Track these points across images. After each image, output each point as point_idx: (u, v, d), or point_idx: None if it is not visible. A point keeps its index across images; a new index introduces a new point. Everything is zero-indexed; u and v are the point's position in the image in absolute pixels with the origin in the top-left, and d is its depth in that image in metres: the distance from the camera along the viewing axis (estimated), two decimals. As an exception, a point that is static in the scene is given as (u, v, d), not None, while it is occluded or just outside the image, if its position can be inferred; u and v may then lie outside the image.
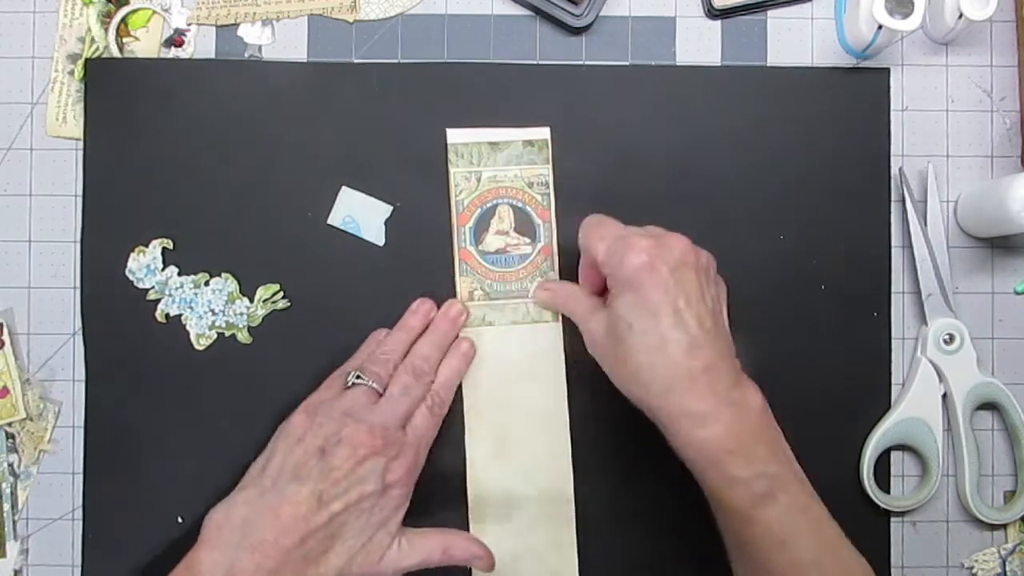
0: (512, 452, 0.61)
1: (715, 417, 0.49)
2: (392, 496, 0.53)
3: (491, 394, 0.61)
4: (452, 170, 0.61)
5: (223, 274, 0.61)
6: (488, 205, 0.61)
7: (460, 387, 0.61)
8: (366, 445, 0.52)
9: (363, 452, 0.52)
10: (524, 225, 0.62)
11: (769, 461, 0.49)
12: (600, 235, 0.53)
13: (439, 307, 0.60)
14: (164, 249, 0.61)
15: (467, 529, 0.60)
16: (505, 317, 0.61)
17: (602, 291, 0.57)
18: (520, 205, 0.61)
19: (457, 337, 0.60)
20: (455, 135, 0.61)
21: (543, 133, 0.62)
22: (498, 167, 0.61)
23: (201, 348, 0.61)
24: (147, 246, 0.61)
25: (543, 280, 0.61)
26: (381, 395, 0.56)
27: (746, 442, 0.49)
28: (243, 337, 0.61)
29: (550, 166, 0.62)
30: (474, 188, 0.61)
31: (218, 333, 0.61)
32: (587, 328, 0.55)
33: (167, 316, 0.61)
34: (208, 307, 0.61)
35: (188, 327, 0.61)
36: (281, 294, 0.61)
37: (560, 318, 0.61)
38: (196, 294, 0.61)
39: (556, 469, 0.61)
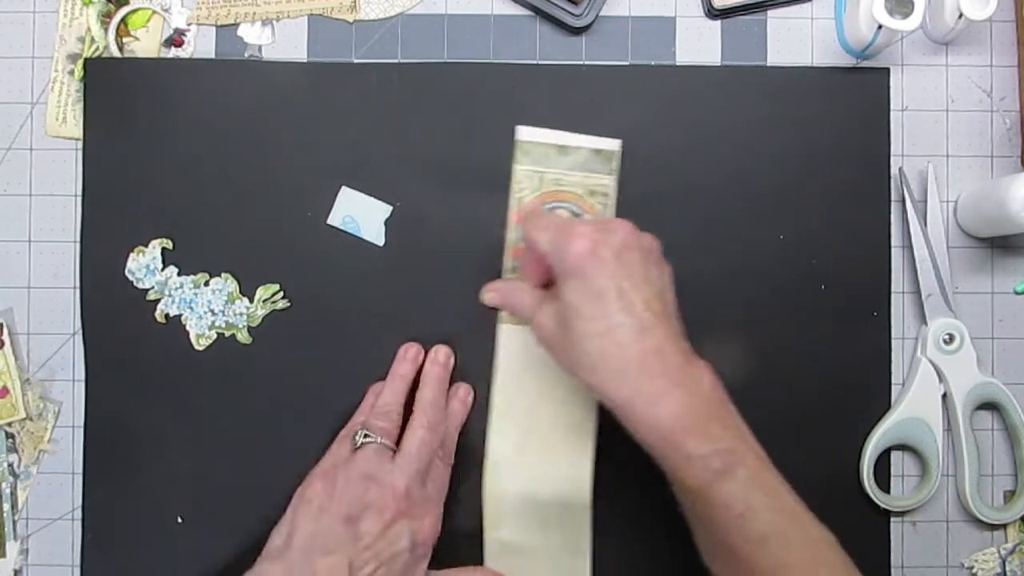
0: (534, 453, 0.60)
1: (668, 396, 0.49)
2: (418, 554, 0.54)
3: (520, 393, 0.61)
4: (516, 167, 0.61)
5: (223, 274, 0.61)
6: (547, 206, 0.61)
7: (490, 383, 0.61)
8: (391, 509, 0.53)
9: (390, 516, 0.53)
10: None
11: (724, 437, 0.49)
12: (542, 226, 0.53)
13: (425, 351, 0.61)
14: (164, 249, 0.61)
15: (481, 528, 0.60)
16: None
17: (547, 284, 0.56)
18: (579, 211, 0.61)
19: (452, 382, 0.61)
20: (525, 133, 0.61)
21: (613, 144, 0.61)
22: (563, 171, 0.61)
23: (201, 348, 0.61)
24: (147, 246, 0.61)
25: (489, 282, 0.60)
26: (393, 451, 0.56)
27: (700, 420, 0.49)
28: (243, 337, 0.61)
29: (614, 177, 0.61)
30: (536, 188, 0.61)
31: (218, 333, 0.61)
32: (536, 321, 0.54)
33: (167, 316, 0.61)
34: (208, 307, 0.61)
35: (188, 327, 0.61)
36: (281, 294, 0.61)
37: None
38: (196, 294, 0.61)
39: (576, 473, 0.60)
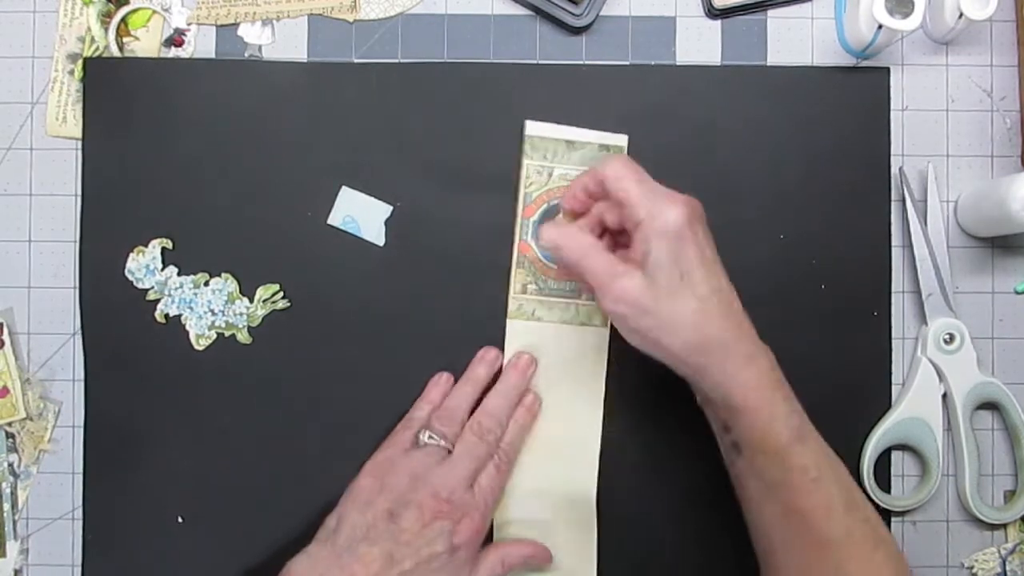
0: (540, 451, 0.60)
1: (757, 358, 0.52)
2: (460, 557, 0.54)
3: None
4: (525, 161, 0.61)
5: (223, 274, 0.61)
6: (555, 202, 0.61)
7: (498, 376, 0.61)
8: (432, 509, 0.54)
9: (430, 515, 0.54)
10: None
11: (794, 400, 0.52)
12: (636, 177, 0.52)
13: (503, 353, 0.61)
14: (164, 249, 0.61)
15: (491, 529, 0.60)
16: (554, 315, 0.61)
17: (600, 235, 0.56)
18: None
19: (525, 390, 0.60)
20: (533, 127, 0.61)
21: (620, 140, 0.61)
22: (571, 166, 0.61)
23: (201, 348, 0.61)
24: (147, 246, 0.61)
25: (551, 224, 0.56)
26: (450, 452, 0.57)
27: (780, 383, 0.52)
28: (243, 337, 0.61)
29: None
30: (544, 183, 0.61)
31: (218, 333, 0.61)
32: (618, 285, 0.52)
33: (167, 316, 0.61)
34: (208, 307, 0.61)
35: (188, 327, 0.61)
36: (281, 294, 0.61)
37: (609, 324, 0.61)
38: (196, 294, 0.61)
39: (582, 473, 0.60)
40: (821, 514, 0.51)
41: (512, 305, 0.61)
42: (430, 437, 0.57)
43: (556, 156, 0.61)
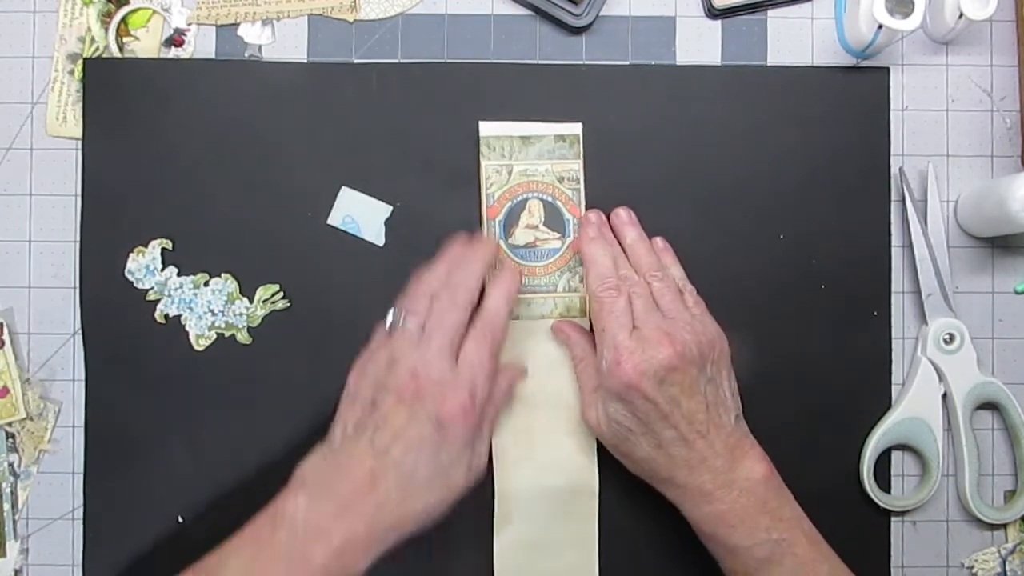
0: (537, 445, 0.61)
1: (716, 497, 0.53)
2: (453, 434, 0.52)
3: (521, 387, 0.61)
4: (483, 163, 0.61)
5: (223, 274, 0.61)
6: (518, 199, 0.61)
7: None
8: (411, 389, 0.52)
9: (408, 395, 0.52)
10: (554, 220, 0.62)
11: (772, 529, 0.52)
12: (601, 320, 0.56)
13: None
14: (163, 249, 0.61)
15: (491, 522, 0.61)
16: (533, 311, 0.61)
17: None
18: (551, 200, 0.61)
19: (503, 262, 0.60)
20: (487, 128, 0.61)
21: (575, 129, 0.62)
22: (529, 161, 0.61)
23: (201, 349, 0.61)
24: (147, 246, 0.61)
25: (569, 320, 0.61)
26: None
27: (748, 515, 0.53)
28: (243, 337, 0.61)
29: (581, 162, 0.62)
30: (505, 181, 0.61)
31: (217, 333, 0.61)
32: (587, 416, 0.58)
33: (166, 317, 0.61)
34: (208, 307, 0.61)
35: (187, 327, 0.61)
36: (281, 294, 0.61)
37: (588, 315, 0.61)
38: (195, 294, 0.61)
39: (581, 463, 0.61)
40: None
41: None
42: (404, 319, 0.55)
43: (513, 153, 0.61)
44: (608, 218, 0.60)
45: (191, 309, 0.61)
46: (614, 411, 0.55)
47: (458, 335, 0.54)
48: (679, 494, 0.54)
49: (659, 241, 0.60)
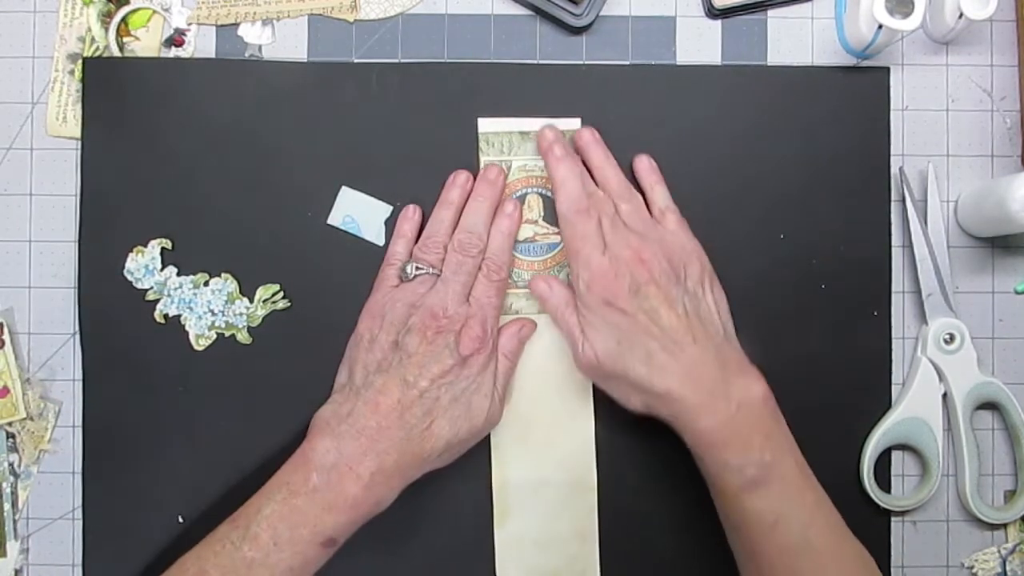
0: (537, 440, 0.61)
1: (709, 410, 0.53)
2: (473, 364, 0.56)
3: (519, 382, 0.61)
4: (482, 158, 0.61)
5: (223, 274, 0.61)
6: (518, 194, 0.61)
7: None
8: (431, 327, 0.56)
9: (432, 333, 0.56)
10: (552, 215, 0.61)
11: (764, 449, 0.52)
12: (575, 241, 0.57)
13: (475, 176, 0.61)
14: (163, 249, 0.61)
15: (491, 517, 0.61)
16: (532, 306, 0.61)
17: None
18: (549, 195, 0.61)
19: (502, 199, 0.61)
20: (486, 124, 0.61)
21: (573, 123, 0.62)
22: (528, 156, 0.61)
23: (200, 348, 0.61)
24: (146, 246, 0.61)
25: (545, 274, 0.61)
26: (439, 276, 0.59)
27: (741, 432, 0.53)
28: (243, 337, 0.61)
29: (579, 157, 0.61)
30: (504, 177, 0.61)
31: (217, 333, 0.61)
32: (578, 352, 0.57)
33: (166, 317, 0.61)
34: (207, 307, 0.61)
35: (187, 327, 0.61)
36: (281, 294, 0.61)
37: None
38: (195, 294, 0.61)
39: (580, 458, 0.61)
40: (780, 558, 0.52)
41: None
42: (417, 268, 0.59)
43: (512, 149, 0.61)
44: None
45: (191, 309, 0.61)
46: (599, 336, 0.56)
47: (471, 278, 0.58)
48: (676, 409, 0.54)
49: (644, 161, 0.61)
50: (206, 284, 0.61)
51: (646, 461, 0.61)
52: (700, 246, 0.58)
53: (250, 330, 0.61)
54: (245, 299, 0.61)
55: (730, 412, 0.53)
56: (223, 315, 0.61)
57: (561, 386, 0.61)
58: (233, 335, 0.61)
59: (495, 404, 0.58)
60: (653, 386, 0.54)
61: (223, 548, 0.53)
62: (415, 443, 0.55)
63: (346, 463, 0.54)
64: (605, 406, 0.60)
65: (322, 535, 0.53)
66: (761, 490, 0.52)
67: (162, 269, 0.61)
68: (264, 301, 0.61)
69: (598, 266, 0.55)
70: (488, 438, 0.61)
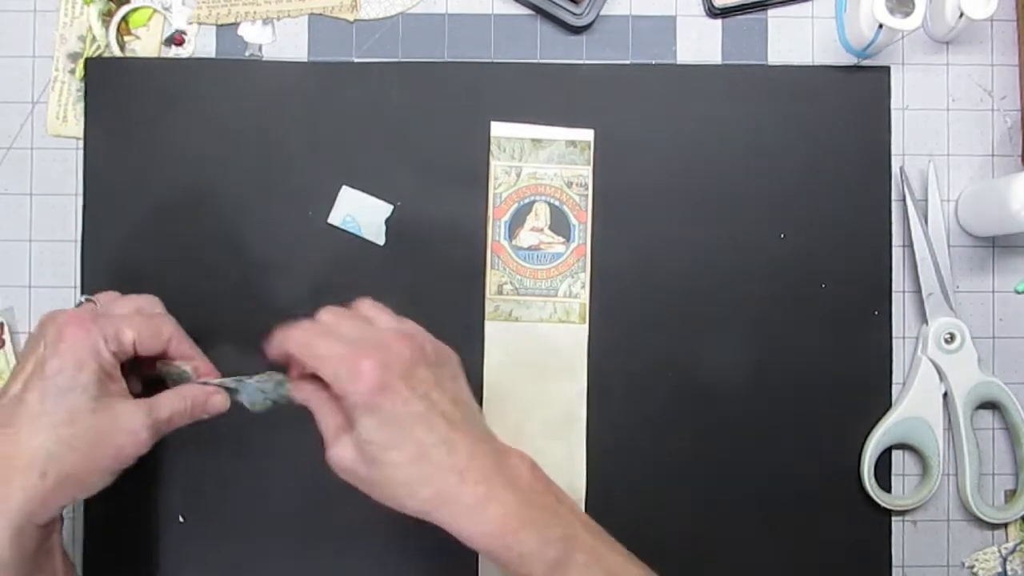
0: (526, 449, 0.61)
1: (491, 500, 0.48)
2: (62, 354, 0.49)
3: (510, 390, 0.61)
4: (493, 163, 0.61)
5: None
6: (525, 201, 0.61)
7: (481, 382, 0.61)
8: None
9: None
10: (560, 224, 0.61)
11: (553, 524, 0.49)
12: (318, 355, 0.50)
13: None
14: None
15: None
16: (532, 314, 0.61)
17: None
18: (557, 204, 0.61)
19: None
20: (499, 128, 0.61)
21: (587, 135, 0.62)
22: (539, 164, 0.61)
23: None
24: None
25: (299, 378, 0.54)
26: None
27: (528, 514, 0.49)
28: (243, 337, 0.61)
29: (591, 167, 0.61)
30: (513, 183, 0.61)
31: None
32: (333, 454, 0.51)
33: None
34: None
35: None
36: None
37: (587, 320, 0.61)
38: None
39: (569, 469, 0.61)
40: None
41: (489, 307, 0.61)
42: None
43: (523, 155, 0.61)
44: None
45: None
46: (366, 430, 0.49)
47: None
48: (453, 510, 0.48)
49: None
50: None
51: (635, 473, 0.61)
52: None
53: (250, 330, 0.61)
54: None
55: (512, 497, 0.48)
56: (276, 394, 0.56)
57: (554, 396, 0.61)
58: None
59: (115, 407, 0.50)
60: (421, 489, 0.48)
61: None
62: (3, 469, 0.48)
63: None
64: (596, 417, 0.61)
65: None
66: (570, 570, 0.48)
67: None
68: (264, 301, 0.61)
69: (355, 354, 0.49)
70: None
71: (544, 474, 0.51)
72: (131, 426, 0.50)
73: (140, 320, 0.53)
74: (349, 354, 0.49)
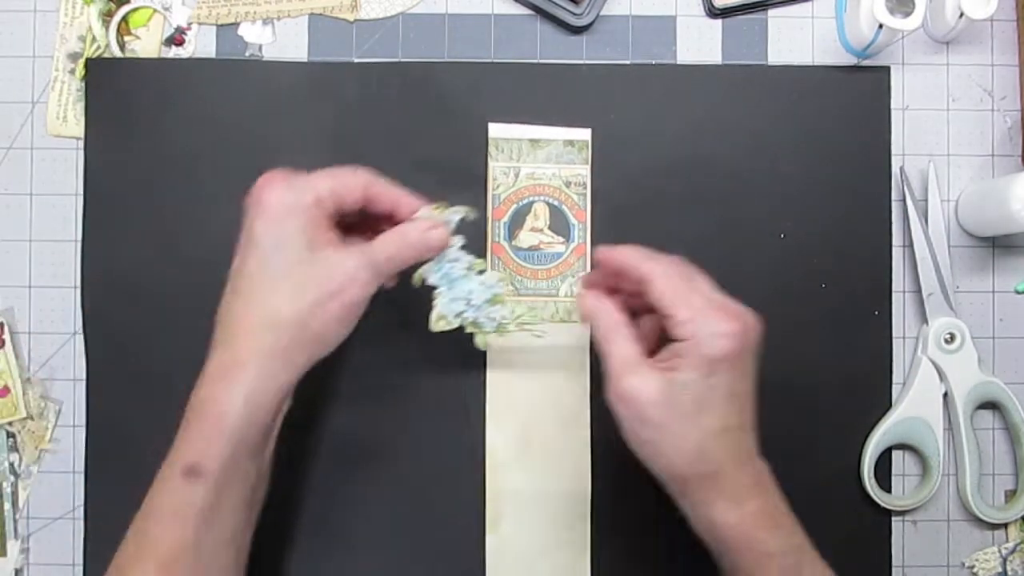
0: (532, 449, 0.61)
1: (756, 492, 0.49)
2: (268, 214, 0.50)
3: (514, 390, 0.61)
4: (491, 164, 0.61)
5: (495, 273, 0.60)
6: (524, 201, 0.62)
7: (484, 382, 0.61)
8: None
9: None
10: (559, 224, 0.62)
11: (793, 532, 0.50)
12: (682, 296, 0.49)
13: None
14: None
15: (484, 525, 0.60)
16: (535, 316, 0.61)
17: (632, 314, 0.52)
18: (556, 204, 0.61)
19: None
20: (496, 129, 0.61)
21: (584, 134, 0.62)
22: (537, 164, 0.61)
23: (436, 330, 0.59)
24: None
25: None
26: None
27: (776, 515, 0.50)
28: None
29: (589, 167, 0.62)
30: (512, 184, 0.61)
31: (461, 325, 0.59)
32: (632, 385, 0.48)
33: (423, 281, 0.56)
34: (468, 295, 0.57)
35: (434, 302, 0.57)
36: None
37: None
38: (466, 276, 0.56)
39: (575, 468, 0.61)
40: None
41: None
42: None
43: (521, 156, 0.61)
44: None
45: (451, 287, 0.59)
46: (696, 383, 0.48)
47: None
48: (717, 495, 0.49)
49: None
50: (481, 272, 0.56)
51: (639, 471, 0.61)
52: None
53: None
54: (507, 306, 0.56)
55: (772, 492, 0.50)
56: (478, 310, 0.56)
57: (558, 395, 0.61)
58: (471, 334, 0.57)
59: (327, 256, 0.50)
60: (702, 464, 0.48)
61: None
62: (239, 330, 0.49)
63: (202, 373, 0.50)
64: (602, 415, 0.60)
65: (181, 462, 0.49)
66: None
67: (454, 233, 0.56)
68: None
69: (726, 313, 0.49)
70: (483, 445, 0.61)
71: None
72: (347, 269, 0.50)
73: (332, 171, 0.52)
74: (718, 307, 0.49)
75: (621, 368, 0.49)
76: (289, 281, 0.49)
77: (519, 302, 0.58)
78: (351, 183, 0.52)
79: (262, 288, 0.49)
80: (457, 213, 0.54)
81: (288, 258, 0.49)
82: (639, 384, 0.48)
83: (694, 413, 0.48)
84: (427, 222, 0.53)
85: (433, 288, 0.55)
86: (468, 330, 0.56)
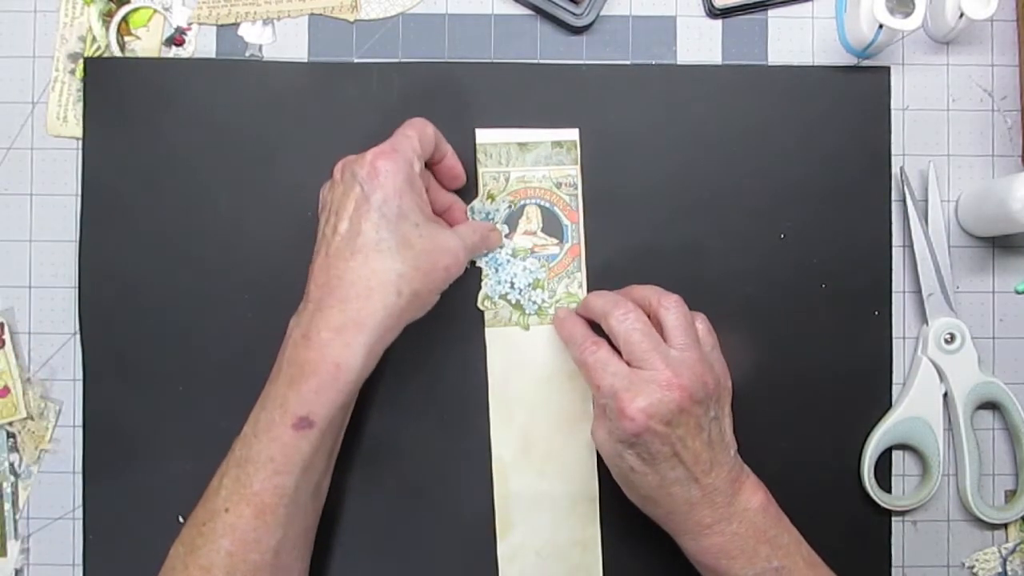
0: (538, 451, 0.61)
1: (715, 530, 0.53)
2: (384, 183, 0.52)
3: (517, 393, 0.61)
4: (480, 170, 0.61)
5: (534, 258, 0.61)
6: (519, 204, 0.61)
7: (486, 386, 0.61)
8: (337, 168, 0.55)
9: (338, 174, 0.55)
10: (552, 226, 0.62)
11: (772, 557, 0.53)
12: (600, 377, 0.54)
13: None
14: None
15: (494, 527, 0.61)
16: (532, 318, 0.61)
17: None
18: (548, 206, 0.61)
19: None
20: (484, 135, 0.61)
21: (572, 134, 0.62)
22: (526, 167, 0.61)
23: (481, 310, 0.61)
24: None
25: (568, 312, 0.60)
26: None
27: (747, 545, 0.53)
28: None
29: (578, 167, 0.62)
30: (502, 188, 0.61)
31: (502, 304, 0.61)
32: (594, 431, 0.55)
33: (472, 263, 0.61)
34: (512, 278, 0.61)
35: (481, 282, 0.61)
36: None
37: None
38: (510, 259, 0.61)
39: (581, 468, 0.61)
40: None
41: (488, 314, 0.61)
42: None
43: (510, 160, 0.61)
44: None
45: (496, 270, 0.61)
46: (620, 451, 0.53)
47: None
48: (677, 528, 0.54)
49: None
50: (524, 258, 0.61)
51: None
52: (726, 366, 0.57)
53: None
54: (546, 290, 0.61)
55: (733, 529, 0.53)
56: (520, 292, 0.61)
57: (563, 398, 0.61)
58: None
59: (435, 230, 0.53)
60: (656, 508, 0.54)
61: (229, 451, 0.53)
62: (360, 290, 0.51)
63: (301, 333, 0.52)
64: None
65: (292, 415, 0.51)
66: None
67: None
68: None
69: (626, 395, 0.52)
70: (489, 450, 0.61)
71: (775, 506, 0.54)
72: (452, 248, 0.54)
73: (415, 130, 0.55)
74: (621, 394, 0.52)
75: (595, 409, 0.55)
76: (411, 250, 0.52)
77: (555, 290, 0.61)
78: (428, 143, 0.55)
79: (383, 251, 0.52)
80: (504, 202, 0.59)
81: (406, 230, 0.52)
82: (598, 433, 0.55)
83: (628, 474, 0.54)
84: (489, 224, 0.60)
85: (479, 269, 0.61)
86: (512, 312, 0.61)
